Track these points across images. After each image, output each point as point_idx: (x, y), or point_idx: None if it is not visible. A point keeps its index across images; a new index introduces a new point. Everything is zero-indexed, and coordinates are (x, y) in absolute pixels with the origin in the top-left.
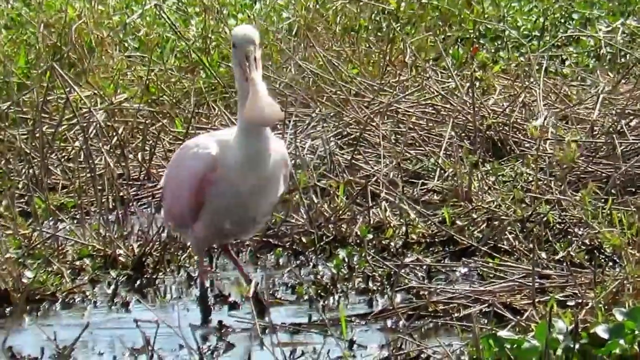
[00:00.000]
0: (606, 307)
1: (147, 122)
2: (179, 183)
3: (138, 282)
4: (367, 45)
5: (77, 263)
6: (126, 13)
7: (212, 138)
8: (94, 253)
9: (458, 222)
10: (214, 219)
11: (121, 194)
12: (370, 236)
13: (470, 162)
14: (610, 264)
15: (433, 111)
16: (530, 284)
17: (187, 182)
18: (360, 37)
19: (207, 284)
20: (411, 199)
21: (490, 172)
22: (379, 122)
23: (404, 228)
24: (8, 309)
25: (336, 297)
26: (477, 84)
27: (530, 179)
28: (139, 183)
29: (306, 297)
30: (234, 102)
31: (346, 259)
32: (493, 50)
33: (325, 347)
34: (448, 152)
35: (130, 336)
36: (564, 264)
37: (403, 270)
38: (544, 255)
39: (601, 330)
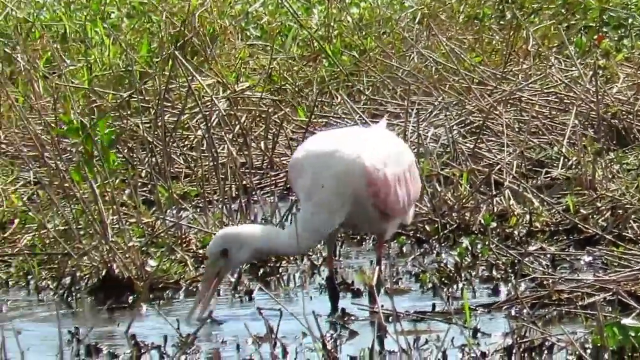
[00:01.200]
0: None
1: (269, 110)
2: None
3: (261, 270)
4: (490, 34)
5: (201, 251)
6: (248, 2)
7: None
8: None
9: (582, 210)
10: None
11: (244, 182)
12: (494, 224)
13: (594, 151)
14: None
15: (556, 99)
16: None
17: None
18: (483, 26)
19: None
20: (534, 187)
21: (614, 160)
22: (502, 111)
23: (527, 216)
24: (131, 297)
25: (460, 285)
26: (600, 72)
27: None
28: (262, 171)
29: (430, 285)
30: (356, 91)
31: (469, 247)
32: (616, 39)
33: (449, 335)
34: (572, 141)
35: (253, 324)
36: None
37: (527, 259)
38: None
39: None
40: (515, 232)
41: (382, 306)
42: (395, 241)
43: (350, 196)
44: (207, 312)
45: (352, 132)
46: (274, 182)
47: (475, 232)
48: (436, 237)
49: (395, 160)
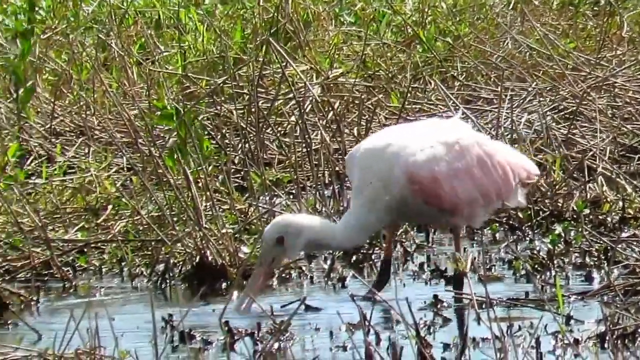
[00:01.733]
0: None
1: (362, 96)
2: None
3: (354, 257)
4: (584, 20)
5: None
6: None
7: None
8: None
9: None
10: None
11: (337, 168)
12: (587, 211)
13: None
14: None
15: None
16: None
17: None
18: (577, 11)
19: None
20: (627, 173)
21: None
22: (595, 97)
23: (620, 203)
24: (225, 284)
25: (552, 272)
26: None
27: None
28: None
29: (523, 272)
30: (450, 77)
31: (562, 234)
32: None
33: (542, 322)
34: None
35: (346, 311)
36: None
37: (620, 246)
38: None
39: None
40: (608, 219)
41: (475, 293)
42: (488, 228)
43: (397, 194)
44: (255, 300)
45: (412, 127)
46: None
47: (568, 218)
48: (529, 223)
49: (454, 155)
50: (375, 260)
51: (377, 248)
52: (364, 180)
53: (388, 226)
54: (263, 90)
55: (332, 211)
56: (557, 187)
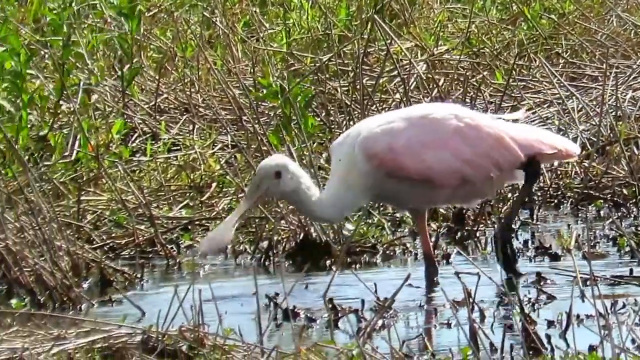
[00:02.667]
0: None
1: (467, 73)
2: None
3: (458, 234)
4: None
5: (397, 215)
6: None
7: None
8: None
9: None
10: None
11: None
12: None
13: None
14: None
15: None
16: None
17: None
18: None
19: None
20: None
21: None
22: None
23: None
24: (329, 261)
25: None
26: None
27: None
28: None
29: (627, 249)
30: (555, 54)
31: None
32: None
33: None
34: None
35: (450, 288)
36: None
37: None
38: None
39: None
40: None
41: (579, 270)
42: (593, 205)
43: (362, 171)
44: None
45: (394, 111)
46: None
47: None
48: (634, 200)
49: (423, 128)
50: (480, 237)
51: (481, 225)
52: (335, 159)
53: (412, 218)
54: (367, 68)
55: None
56: None
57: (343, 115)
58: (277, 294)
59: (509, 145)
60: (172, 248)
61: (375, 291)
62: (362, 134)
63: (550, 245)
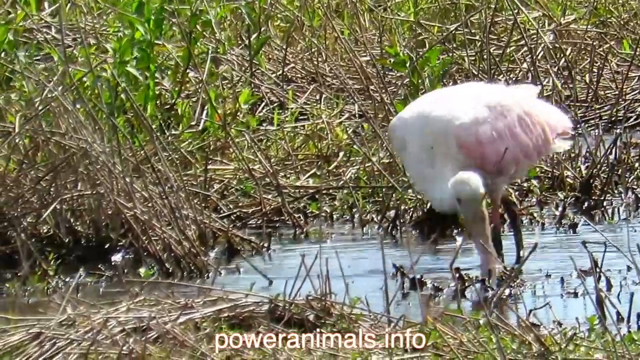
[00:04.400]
0: None
1: (594, 43)
2: None
3: (586, 203)
4: None
5: (525, 185)
6: None
7: None
8: (542, 174)
9: None
10: None
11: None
12: None
13: None
14: None
15: None
16: None
17: None
18: None
19: None
20: None
21: None
22: None
23: None
24: (455, 230)
25: None
26: None
27: None
28: (586, 105)
29: None
30: None
31: None
32: None
33: None
34: None
35: (578, 257)
36: None
37: None
38: None
39: None
40: None
41: None
42: None
43: (457, 159)
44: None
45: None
46: (598, 114)
47: None
48: None
49: (498, 119)
50: (607, 207)
51: (609, 194)
52: (420, 145)
53: (492, 194)
54: (495, 37)
55: (563, 157)
56: None
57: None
58: (402, 267)
59: (548, 135)
60: (299, 217)
61: (502, 260)
62: (454, 121)
63: None
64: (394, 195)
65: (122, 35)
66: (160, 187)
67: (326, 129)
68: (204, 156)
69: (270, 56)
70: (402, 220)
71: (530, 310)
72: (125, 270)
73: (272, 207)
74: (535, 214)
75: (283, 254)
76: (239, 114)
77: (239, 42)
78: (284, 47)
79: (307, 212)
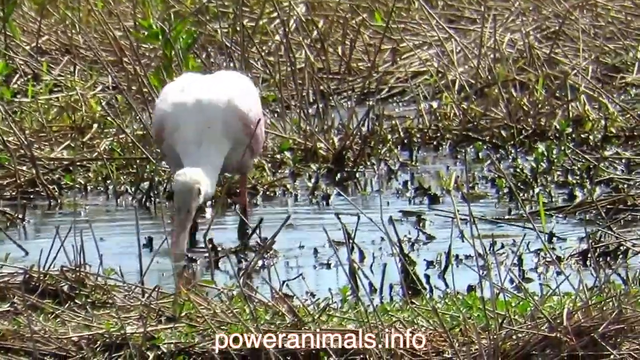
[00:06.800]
0: None
1: (347, 15)
2: None
3: (338, 175)
4: None
5: (278, 156)
6: None
7: None
8: (295, 146)
9: None
10: None
11: (321, 87)
12: (570, 129)
13: None
14: None
15: (632, 5)
16: None
17: None
18: None
19: None
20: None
21: None
22: (578, 16)
23: (603, 121)
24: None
25: (536, 190)
26: None
27: None
28: (339, 76)
29: (506, 190)
30: None
31: (545, 153)
32: None
33: (525, 240)
34: None
35: (331, 229)
36: None
37: (602, 164)
38: None
39: None
40: (591, 137)
41: (458, 211)
42: (472, 146)
43: (231, 138)
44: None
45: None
46: (351, 87)
47: (551, 137)
48: (512, 142)
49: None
50: (360, 178)
51: (361, 166)
52: (197, 125)
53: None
54: (248, 9)
55: (316, 129)
56: (539, 106)
57: (223, 57)
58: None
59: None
60: (53, 188)
61: (258, 232)
62: (231, 101)
63: (430, 186)
64: (147, 167)
65: None
66: None
67: (80, 100)
68: None
69: (24, 28)
70: (155, 192)
71: (284, 282)
72: None
73: (26, 178)
74: (288, 186)
75: (38, 225)
76: None
77: None
78: (38, 19)
79: (62, 183)
